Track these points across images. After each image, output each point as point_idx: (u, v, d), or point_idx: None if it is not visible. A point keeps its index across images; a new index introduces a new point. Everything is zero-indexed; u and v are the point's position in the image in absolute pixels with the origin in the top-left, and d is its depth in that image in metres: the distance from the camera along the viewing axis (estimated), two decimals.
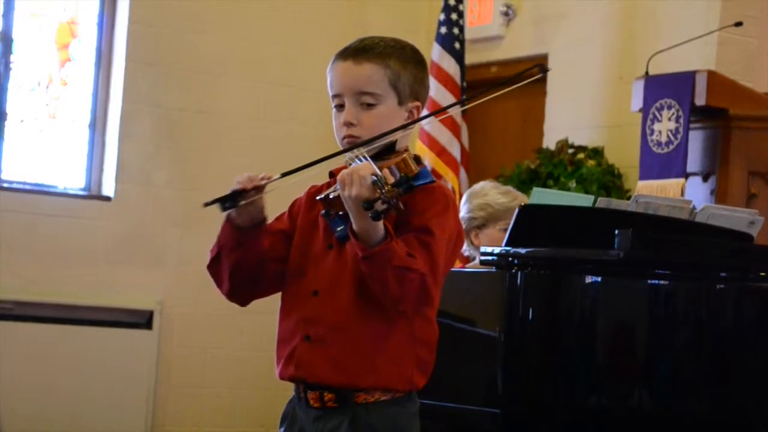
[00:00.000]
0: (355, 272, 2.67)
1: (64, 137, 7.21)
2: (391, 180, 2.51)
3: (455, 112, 6.97)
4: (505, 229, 4.44)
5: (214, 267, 2.83)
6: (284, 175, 2.67)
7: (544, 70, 2.86)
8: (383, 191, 2.46)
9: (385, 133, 2.69)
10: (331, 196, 2.62)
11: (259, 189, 2.68)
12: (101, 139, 7.22)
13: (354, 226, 2.56)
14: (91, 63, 7.27)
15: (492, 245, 4.21)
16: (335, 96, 2.79)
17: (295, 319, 2.76)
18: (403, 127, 2.74)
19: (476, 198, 4.49)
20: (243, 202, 2.67)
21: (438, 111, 2.68)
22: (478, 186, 4.67)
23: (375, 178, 2.47)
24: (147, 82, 7.19)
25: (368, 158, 2.58)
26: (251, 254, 2.77)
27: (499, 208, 4.48)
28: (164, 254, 7.20)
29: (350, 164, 2.65)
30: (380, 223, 2.54)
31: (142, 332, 7.04)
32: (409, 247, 2.58)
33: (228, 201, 2.67)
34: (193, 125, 7.30)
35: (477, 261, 4.50)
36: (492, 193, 4.56)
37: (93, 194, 7.20)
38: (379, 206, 2.46)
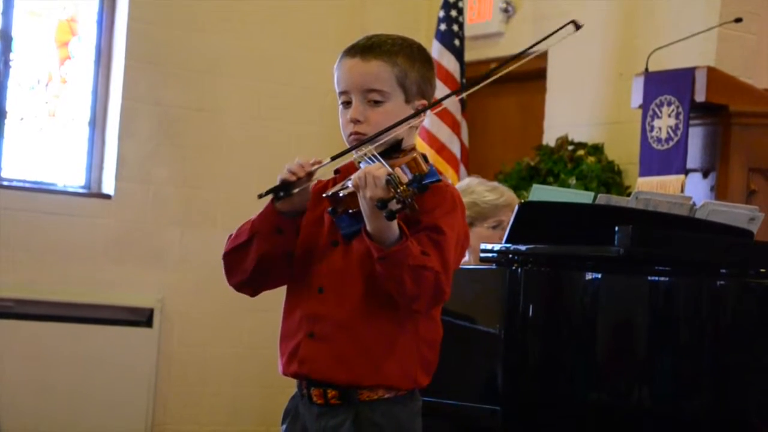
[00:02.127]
0: (361, 270, 2.68)
1: (63, 135, 7.21)
2: (405, 179, 2.51)
3: (455, 109, 6.97)
4: (494, 227, 4.44)
5: (236, 254, 2.79)
6: (334, 158, 2.68)
7: (578, 26, 2.84)
8: (398, 191, 2.46)
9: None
10: (340, 194, 2.61)
11: (310, 175, 2.68)
12: (101, 137, 7.22)
13: (368, 227, 2.56)
14: (91, 61, 7.27)
15: (483, 243, 4.21)
16: (342, 93, 2.79)
17: (299, 315, 2.76)
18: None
19: (463, 196, 4.46)
20: (296, 191, 2.68)
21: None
22: (464, 183, 4.64)
23: (389, 177, 2.47)
24: (147, 80, 7.19)
25: (379, 157, 2.58)
26: (286, 241, 2.76)
27: (486, 206, 4.46)
28: (164, 252, 7.20)
29: (359, 163, 2.65)
30: (395, 223, 2.54)
31: (142, 330, 7.04)
32: (421, 246, 2.59)
33: (282, 190, 2.68)
34: (192, 123, 7.30)
35: (467, 259, 4.49)
36: (478, 189, 4.52)
37: (93, 192, 7.20)
38: (394, 206, 2.46)
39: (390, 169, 2.50)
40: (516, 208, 3.93)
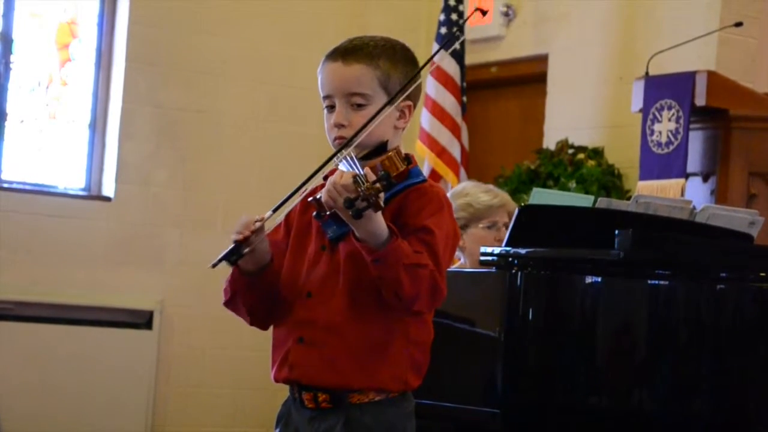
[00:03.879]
0: (348, 273, 2.68)
1: (64, 137, 7.21)
2: (372, 178, 2.50)
3: (455, 113, 6.97)
4: (489, 227, 4.46)
5: (230, 306, 2.83)
6: (275, 209, 2.68)
7: None
8: (362, 189, 2.45)
9: (361, 128, 2.67)
10: (321, 198, 2.61)
11: (258, 232, 2.66)
12: (101, 139, 7.22)
13: (356, 233, 2.56)
14: (91, 63, 7.27)
15: (477, 244, 4.22)
16: (326, 97, 2.78)
17: (289, 321, 2.76)
18: (376, 115, 2.67)
19: (458, 198, 4.48)
20: (247, 250, 2.66)
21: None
22: (459, 187, 4.70)
23: (355, 178, 2.47)
24: (147, 82, 7.19)
25: (354, 159, 2.57)
26: (266, 293, 2.78)
27: (480, 206, 4.48)
28: (164, 254, 7.19)
29: (337, 165, 2.64)
30: (383, 224, 2.54)
31: (142, 332, 7.04)
32: (412, 247, 2.59)
33: (233, 255, 2.66)
34: (193, 125, 7.30)
35: (462, 261, 4.51)
36: (473, 191, 4.56)
37: (93, 194, 7.20)
38: (359, 204, 2.46)
39: (358, 171, 2.49)
40: (516, 211, 3.94)
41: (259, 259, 2.72)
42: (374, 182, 2.48)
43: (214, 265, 2.66)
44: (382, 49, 2.76)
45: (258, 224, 2.65)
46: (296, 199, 2.74)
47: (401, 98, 2.72)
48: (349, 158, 2.57)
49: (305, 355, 2.72)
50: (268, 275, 2.76)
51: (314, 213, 2.67)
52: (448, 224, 2.69)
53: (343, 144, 2.68)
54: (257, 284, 2.76)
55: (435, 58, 2.85)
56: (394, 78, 2.74)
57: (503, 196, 4.58)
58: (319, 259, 2.75)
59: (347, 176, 2.50)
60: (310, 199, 2.67)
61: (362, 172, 2.48)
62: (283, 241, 2.84)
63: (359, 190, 2.46)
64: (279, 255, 2.81)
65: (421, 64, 2.83)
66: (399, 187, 2.65)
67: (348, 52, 2.75)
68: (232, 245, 2.65)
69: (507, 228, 4.55)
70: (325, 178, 2.77)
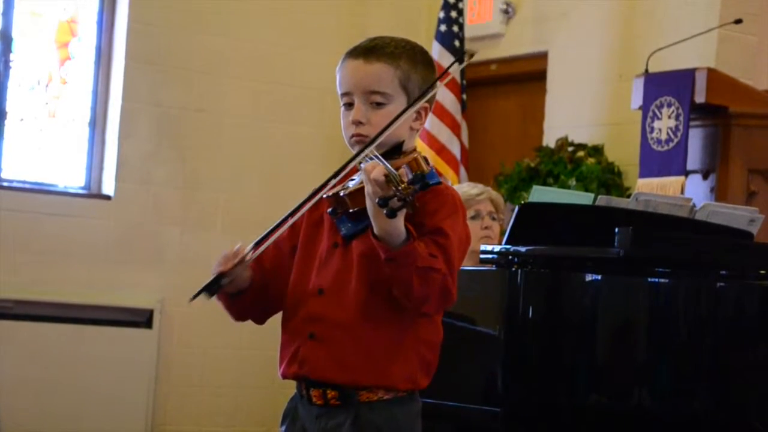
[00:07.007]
0: (361, 271, 2.68)
1: (64, 136, 7.21)
2: (406, 178, 2.50)
3: (455, 110, 6.97)
4: (473, 217, 4.53)
5: (242, 319, 2.92)
6: (257, 244, 2.71)
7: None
8: (399, 189, 2.45)
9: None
10: (341, 194, 2.61)
11: (238, 265, 2.71)
12: (101, 138, 7.22)
13: (375, 229, 2.56)
14: (91, 62, 7.27)
15: None
16: (344, 94, 2.78)
17: (300, 317, 2.77)
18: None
19: None
20: (226, 281, 2.72)
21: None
22: None
23: (390, 176, 2.47)
24: (147, 81, 7.19)
25: (380, 157, 2.57)
26: (255, 304, 2.84)
27: (464, 197, 4.53)
28: (164, 253, 7.19)
29: (360, 164, 2.64)
30: (401, 224, 2.54)
31: (142, 331, 7.04)
32: (427, 249, 2.59)
33: (213, 286, 2.72)
34: (193, 124, 7.31)
35: None
36: (459, 186, 4.70)
37: (93, 193, 7.20)
38: (395, 204, 2.45)
39: (391, 168, 2.49)
40: (516, 209, 3.94)
41: (240, 285, 2.78)
42: (410, 183, 2.48)
43: (194, 298, 2.71)
44: (403, 50, 2.77)
45: (237, 258, 2.70)
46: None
47: (424, 100, 2.73)
48: (375, 157, 2.57)
49: (316, 351, 2.72)
50: (253, 294, 2.81)
51: (328, 209, 2.68)
52: (462, 228, 2.70)
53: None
54: (241, 302, 2.83)
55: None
56: (414, 79, 2.75)
57: (486, 188, 4.71)
58: (332, 257, 2.75)
59: (381, 168, 2.49)
60: (325, 195, 2.67)
61: (395, 172, 2.48)
62: (289, 239, 2.84)
63: (395, 189, 2.45)
64: (284, 255, 2.83)
65: None
66: None
67: (370, 50, 2.76)
68: (213, 277, 2.70)
69: (491, 217, 4.59)
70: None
